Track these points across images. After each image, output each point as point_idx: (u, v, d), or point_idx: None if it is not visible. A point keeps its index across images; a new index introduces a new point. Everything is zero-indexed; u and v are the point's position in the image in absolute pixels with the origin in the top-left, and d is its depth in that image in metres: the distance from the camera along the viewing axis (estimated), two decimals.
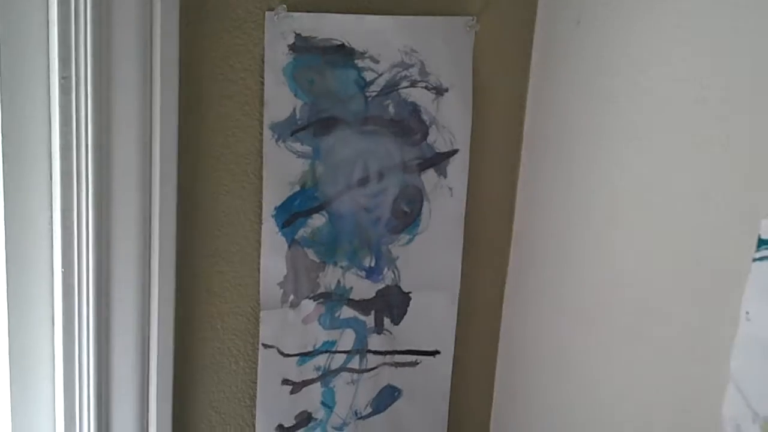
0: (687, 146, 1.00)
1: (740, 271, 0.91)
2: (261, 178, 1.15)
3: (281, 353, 1.23)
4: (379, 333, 1.29)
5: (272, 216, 1.17)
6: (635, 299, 1.09)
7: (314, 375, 1.26)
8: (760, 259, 0.88)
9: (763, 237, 0.88)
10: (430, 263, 1.30)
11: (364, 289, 1.26)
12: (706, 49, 0.97)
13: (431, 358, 1.34)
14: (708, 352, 0.97)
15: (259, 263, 1.18)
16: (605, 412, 1.16)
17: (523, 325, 1.35)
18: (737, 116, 0.92)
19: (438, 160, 1.26)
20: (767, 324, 0.88)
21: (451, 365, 1.36)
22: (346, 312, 1.26)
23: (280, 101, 1.14)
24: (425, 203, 1.27)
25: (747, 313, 0.90)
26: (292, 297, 1.21)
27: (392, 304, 1.29)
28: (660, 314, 1.05)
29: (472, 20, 1.23)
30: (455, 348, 1.36)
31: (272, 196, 1.16)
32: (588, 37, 1.18)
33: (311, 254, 1.21)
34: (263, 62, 1.12)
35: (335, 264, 1.23)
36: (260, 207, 1.16)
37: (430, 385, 1.35)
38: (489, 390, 1.43)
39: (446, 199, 1.28)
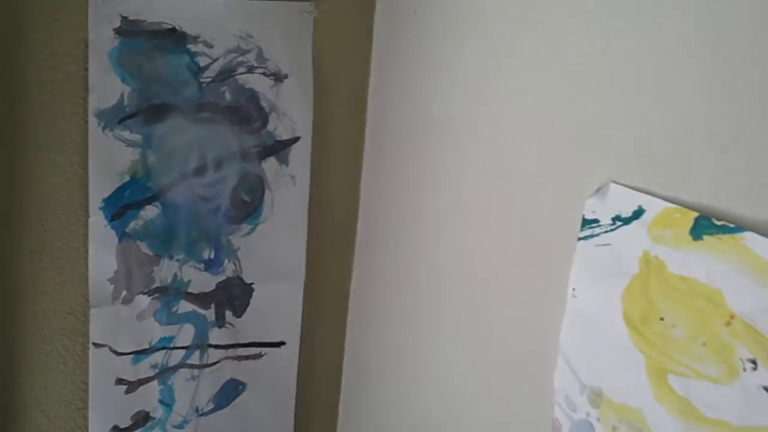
0: (519, 130, 1.02)
1: (569, 250, 0.94)
2: (87, 169, 1.09)
3: (114, 352, 1.17)
4: (220, 326, 1.26)
5: (100, 208, 1.11)
6: (474, 281, 1.11)
7: (151, 373, 1.21)
8: (584, 237, 0.91)
9: (587, 217, 0.91)
10: (273, 253, 1.28)
11: (203, 282, 1.22)
12: (539, 36, 0.99)
13: (276, 349, 1.32)
14: (541, 328, 0.99)
15: (87, 259, 1.12)
16: (450, 392, 1.18)
17: (371, 313, 1.35)
18: (566, 101, 0.95)
19: (279, 148, 1.24)
20: (591, 300, 0.91)
21: (297, 356, 1.34)
22: (184, 306, 1.22)
23: (106, 87, 1.08)
24: (267, 192, 1.25)
25: (573, 289, 0.93)
26: (124, 293, 1.16)
27: (234, 296, 1.26)
28: (497, 295, 1.07)
29: (311, 6, 1.21)
30: (301, 338, 1.34)
31: (99, 188, 1.10)
32: (424, 26, 1.18)
33: (144, 247, 1.16)
34: (87, 46, 1.06)
35: (171, 257, 1.18)
36: (87, 199, 1.10)
37: (275, 377, 1.33)
38: (337, 380, 1.43)
39: (289, 188, 1.26)
